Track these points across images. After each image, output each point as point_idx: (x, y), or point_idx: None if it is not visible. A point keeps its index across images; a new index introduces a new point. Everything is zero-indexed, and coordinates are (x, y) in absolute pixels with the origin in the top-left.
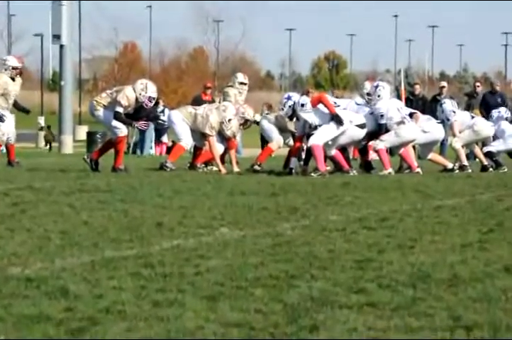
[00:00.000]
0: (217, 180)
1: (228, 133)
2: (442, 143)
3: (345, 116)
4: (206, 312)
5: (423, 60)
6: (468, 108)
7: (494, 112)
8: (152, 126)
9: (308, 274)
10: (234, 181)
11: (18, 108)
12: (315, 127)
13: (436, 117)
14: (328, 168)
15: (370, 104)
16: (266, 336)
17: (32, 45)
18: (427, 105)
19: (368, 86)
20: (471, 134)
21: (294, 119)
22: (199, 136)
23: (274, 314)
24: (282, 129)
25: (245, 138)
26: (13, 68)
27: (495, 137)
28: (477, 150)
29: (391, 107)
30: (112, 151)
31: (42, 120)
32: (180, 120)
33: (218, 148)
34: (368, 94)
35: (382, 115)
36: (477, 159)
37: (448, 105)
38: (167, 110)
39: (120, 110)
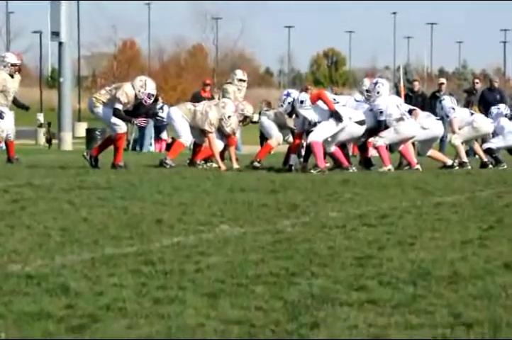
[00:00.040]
0: (217, 177)
1: (228, 130)
2: (442, 140)
3: (345, 113)
4: (207, 309)
5: (422, 57)
6: (467, 104)
7: (494, 109)
8: (151, 123)
9: (308, 271)
10: (234, 178)
11: (17, 104)
12: (315, 124)
13: (435, 114)
14: (328, 164)
15: (369, 101)
16: (267, 334)
17: (31, 42)
18: (426, 102)
19: (367, 82)
20: (471, 131)
21: (293, 116)
22: (199, 133)
23: (274, 311)
24: (281, 126)
25: (245, 135)
26: (12, 65)
27: (494, 134)
28: (477, 147)
29: (390, 104)
30: (111, 147)
31: (41, 117)
32: (179, 116)
33: (218, 145)
34: (367, 91)
35: (381, 112)
36: (477, 156)
37: (447, 102)
38: (166, 107)
39: (119, 106)
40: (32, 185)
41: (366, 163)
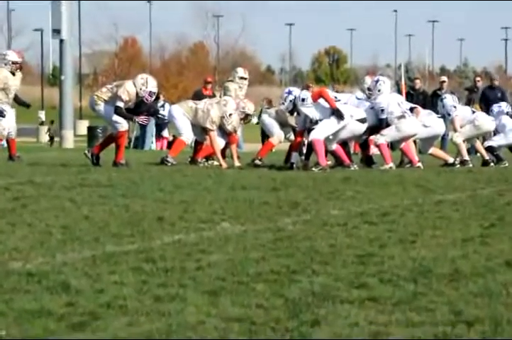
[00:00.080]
0: (218, 175)
1: (229, 128)
2: (443, 138)
3: (346, 111)
4: (208, 307)
5: (423, 55)
6: (468, 102)
7: (495, 107)
8: (152, 121)
9: (309, 269)
10: (235, 176)
11: (18, 102)
12: (316, 122)
13: (436, 112)
14: (329, 162)
15: (370, 99)
16: (268, 331)
17: (32, 40)
18: (427, 100)
19: (368, 80)
20: (472, 129)
21: (295, 114)
22: (200, 130)
23: (275, 309)
24: (283, 124)
25: (246, 133)
26: (13, 62)
27: (496, 132)
28: (478, 145)
29: (392, 101)
30: (113, 145)
31: (42, 115)
32: (181, 114)
33: (219, 142)
34: (368, 89)
35: (383, 110)
36: (478, 154)
37: (449, 100)
38: (167, 105)
39: (120, 104)
40: (34, 183)
41: (367, 161)
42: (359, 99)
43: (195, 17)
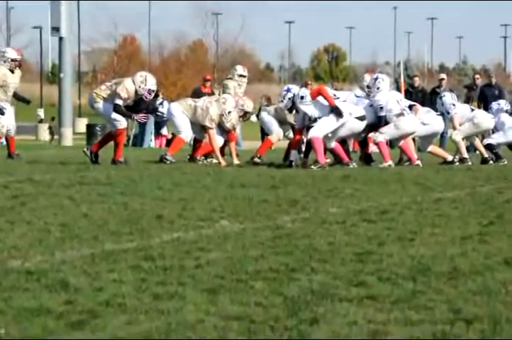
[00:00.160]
0: (217, 173)
1: (228, 125)
2: (442, 135)
3: (345, 108)
4: (207, 305)
5: (423, 52)
6: (467, 100)
7: (494, 105)
8: (151, 118)
9: (308, 267)
10: (234, 174)
11: (17, 98)
12: (315, 120)
13: (435, 110)
14: (328, 160)
15: (370, 96)
16: (267, 329)
17: (31, 38)
18: (426, 98)
19: (367, 78)
20: (472, 127)
21: (294, 111)
22: (199, 128)
23: (274, 307)
24: (282, 122)
25: (245, 130)
26: (12, 60)
27: (495, 130)
28: (477, 142)
29: (391, 99)
30: (112, 143)
31: (41, 113)
32: (180, 112)
33: (218, 140)
34: (367, 86)
35: (382, 107)
36: (477, 152)
37: (448, 98)
38: (166, 103)
39: (119, 102)
40: (33, 181)
41: (366, 158)
42: (358, 97)
43: (194, 15)
